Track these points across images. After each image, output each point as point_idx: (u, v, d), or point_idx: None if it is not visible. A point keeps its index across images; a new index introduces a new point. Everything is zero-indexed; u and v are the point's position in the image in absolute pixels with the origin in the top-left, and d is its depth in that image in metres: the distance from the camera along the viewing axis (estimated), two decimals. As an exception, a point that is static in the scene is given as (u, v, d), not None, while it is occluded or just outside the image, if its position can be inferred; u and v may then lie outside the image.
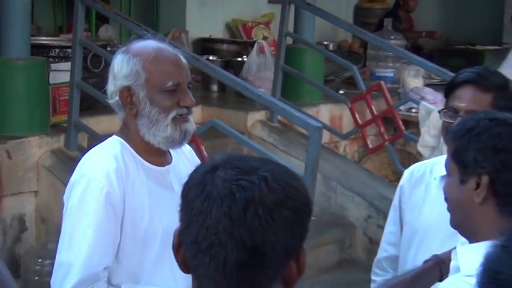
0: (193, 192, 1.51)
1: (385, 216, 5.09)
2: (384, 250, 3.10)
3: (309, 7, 7.33)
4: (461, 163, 2.04)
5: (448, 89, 2.92)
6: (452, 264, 2.18)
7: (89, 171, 2.55)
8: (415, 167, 3.14)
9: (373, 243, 5.85)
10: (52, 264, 5.01)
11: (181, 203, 1.55)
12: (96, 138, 5.55)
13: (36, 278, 5.08)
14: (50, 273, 5.04)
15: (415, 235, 2.83)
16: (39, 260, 5.10)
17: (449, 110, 2.85)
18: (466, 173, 2.03)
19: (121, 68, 2.60)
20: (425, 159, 5.28)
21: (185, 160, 2.80)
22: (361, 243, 6.05)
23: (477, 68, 3.04)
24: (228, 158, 1.56)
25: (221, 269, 1.46)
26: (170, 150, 2.70)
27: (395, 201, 3.10)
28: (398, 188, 3.12)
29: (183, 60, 2.68)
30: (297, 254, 1.52)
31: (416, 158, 6.57)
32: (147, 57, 2.59)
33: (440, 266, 2.23)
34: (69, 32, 8.50)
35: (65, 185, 5.24)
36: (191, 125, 2.66)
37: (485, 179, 1.98)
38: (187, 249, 1.51)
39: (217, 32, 9.46)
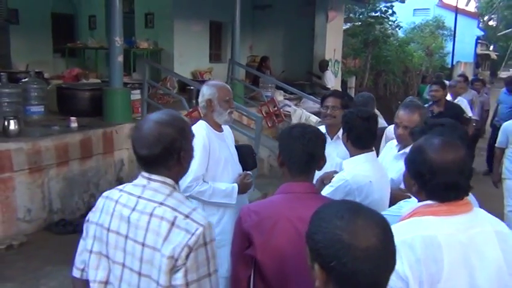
0: (285, 136, 1.60)
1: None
2: None
3: (239, 64, 7.36)
4: (347, 128, 2.11)
5: (323, 99, 2.88)
6: (340, 168, 2.25)
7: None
8: None
9: (271, 167, 5.98)
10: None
11: (279, 141, 1.62)
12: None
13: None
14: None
15: None
16: (131, 179, 4.97)
17: (324, 107, 2.84)
18: (344, 130, 2.13)
19: (206, 91, 2.57)
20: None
21: (227, 130, 2.76)
22: (266, 167, 6.12)
23: (334, 90, 3.16)
24: (296, 125, 1.66)
25: (299, 163, 1.55)
26: (223, 126, 2.68)
27: None
28: None
29: (230, 88, 2.68)
30: (323, 157, 1.63)
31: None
32: (217, 87, 2.58)
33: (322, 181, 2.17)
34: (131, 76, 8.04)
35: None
36: (233, 116, 2.66)
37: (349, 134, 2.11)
38: (284, 158, 1.59)
39: (188, 76, 9.18)
